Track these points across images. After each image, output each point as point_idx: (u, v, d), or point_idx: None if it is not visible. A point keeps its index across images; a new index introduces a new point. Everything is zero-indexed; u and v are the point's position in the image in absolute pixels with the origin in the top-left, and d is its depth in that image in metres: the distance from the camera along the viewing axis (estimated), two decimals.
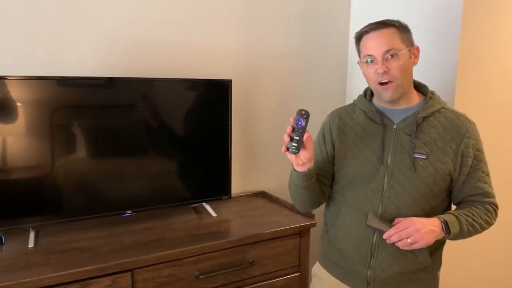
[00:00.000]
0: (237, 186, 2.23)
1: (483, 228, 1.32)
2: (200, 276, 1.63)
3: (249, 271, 1.75)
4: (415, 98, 1.37)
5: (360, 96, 1.46)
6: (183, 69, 2.05)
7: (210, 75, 2.09)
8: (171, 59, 2.03)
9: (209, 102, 1.93)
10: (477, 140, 1.33)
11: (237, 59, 2.19)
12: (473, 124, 1.34)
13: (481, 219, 1.30)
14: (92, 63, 1.86)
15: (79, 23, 1.83)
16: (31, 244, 1.59)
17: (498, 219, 2.15)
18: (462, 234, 1.27)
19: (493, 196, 1.36)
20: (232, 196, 2.05)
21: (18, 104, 1.57)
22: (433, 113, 1.33)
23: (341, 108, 1.50)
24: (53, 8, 1.77)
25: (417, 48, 1.35)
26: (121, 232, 1.74)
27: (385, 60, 1.27)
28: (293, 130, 1.22)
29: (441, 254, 1.42)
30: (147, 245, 1.62)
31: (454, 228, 1.25)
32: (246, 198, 2.22)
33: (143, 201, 1.83)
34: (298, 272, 1.87)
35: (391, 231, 1.23)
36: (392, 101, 1.33)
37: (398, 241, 1.22)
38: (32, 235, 1.63)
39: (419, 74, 2.07)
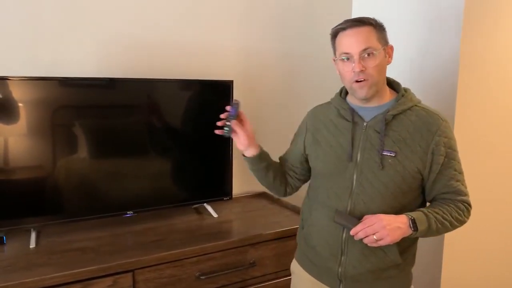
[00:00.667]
0: (238, 187, 2.23)
1: (454, 226, 1.31)
2: (201, 277, 1.63)
3: (250, 271, 1.75)
4: (388, 96, 1.37)
5: (336, 94, 1.47)
6: (184, 69, 2.05)
7: (211, 76, 2.09)
8: (172, 59, 2.03)
9: (210, 103, 1.93)
10: (450, 138, 1.32)
11: (238, 59, 2.19)
12: (446, 121, 1.33)
13: (452, 216, 1.30)
14: (93, 63, 1.86)
15: (80, 23, 1.83)
16: (32, 244, 1.59)
17: (499, 219, 2.16)
18: (431, 232, 1.27)
19: (465, 194, 1.34)
20: (233, 197, 2.06)
21: (20, 104, 1.57)
22: (404, 111, 1.32)
23: (320, 105, 1.52)
24: (54, 8, 1.78)
25: (391, 48, 1.35)
26: (123, 232, 1.74)
27: (361, 58, 1.26)
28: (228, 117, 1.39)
29: (415, 252, 1.42)
30: (148, 245, 1.62)
31: (422, 226, 1.24)
32: (247, 199, 2.22)
33: (145, 202, 1.83)
34: None
35: (358, 227, 1.23)
36: (366, 99, 1.33)
37: (365, 237, 1.22)
38: (33, 235, 1.64)
39: (420, 74, 2.07)
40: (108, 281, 1.46)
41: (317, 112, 1.49)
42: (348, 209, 1.31)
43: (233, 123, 1.38)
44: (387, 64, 1.34)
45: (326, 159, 1.38)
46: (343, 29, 1.30)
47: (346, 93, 1.44)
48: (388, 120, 1.31)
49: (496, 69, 2.04)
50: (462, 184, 1.34)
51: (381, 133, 1.31)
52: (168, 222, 1.86)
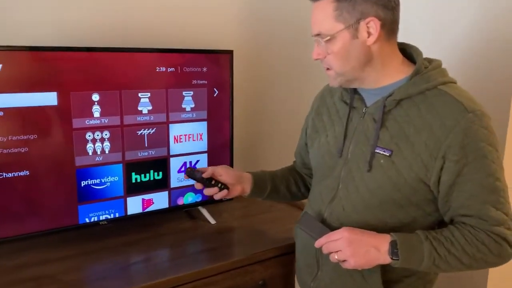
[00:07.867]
0: None
1: (468, 265, 0.99)
2: None
3: None
4: (397, 73, 1.07)
5: None
6: (174, 38, 1.77)
7: (208, 45, 1.79)
8: (161, 26, 1.73)
9: (206, 79, 1.64)
10: (477, 138, 0.96)
11: (239, 25, 1.95)
12: (474, 114, 0.97)
13: (463, 249, 0.97)
14: (48, 27, 1.51)
15: None
16: None
17: None
18: (425, 264, 0.98)
19: (498, 223, 0.96)
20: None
21: None
22: (414, 95, 1.02)
23: None
24: None
25: (370, 21, 1.00)
26: (94, 249, 1.42)
27: (318, 44, 1.06)
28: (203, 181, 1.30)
29: None
30: (129, 269, 1.33)
31: (408, 253, 0.97)
32: (250, 199, 1.93)
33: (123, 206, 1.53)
34: None
35: (322, 240, 1.05)
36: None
37: (328, 254, 1.05)
38: None
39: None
40: None
41: (325, 92, 1.29)
42: (325, 215, 1.13)
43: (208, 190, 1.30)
44: (368, 44, 1.02)
45: (318, 152, 1.21)
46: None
47: None
48: (390, 107, 1.04)
49: None
50: (495, 208, 0.97)
51: (377, 123, 1.05)
52: (154, 233, 1.56)
